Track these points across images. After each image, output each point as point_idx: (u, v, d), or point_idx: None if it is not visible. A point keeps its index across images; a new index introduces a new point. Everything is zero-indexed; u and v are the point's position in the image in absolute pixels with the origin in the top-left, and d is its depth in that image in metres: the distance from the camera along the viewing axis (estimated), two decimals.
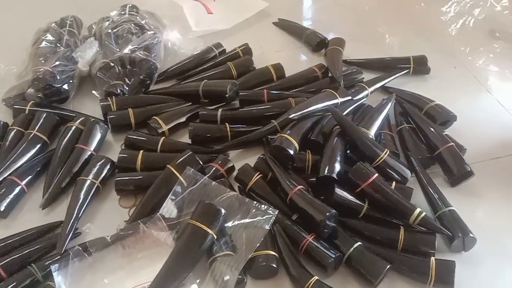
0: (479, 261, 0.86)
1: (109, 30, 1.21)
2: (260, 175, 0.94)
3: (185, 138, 1.09)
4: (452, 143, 1.00)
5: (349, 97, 1.11)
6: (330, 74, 1.22)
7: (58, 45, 1.18)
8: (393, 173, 0.94)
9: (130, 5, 1.33)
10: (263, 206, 0.88)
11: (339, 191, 0.88)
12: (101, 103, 1.12)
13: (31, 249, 0.86)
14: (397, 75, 1.22)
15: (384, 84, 1.20)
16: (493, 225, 0.92)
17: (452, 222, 0.87)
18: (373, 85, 1.18)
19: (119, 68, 1.16)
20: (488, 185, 0.99)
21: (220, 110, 1.10)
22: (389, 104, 1.08)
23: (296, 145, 0.96)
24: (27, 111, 1.11)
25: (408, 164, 1.00)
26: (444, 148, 0.99)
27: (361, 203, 0.89)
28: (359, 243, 0.83)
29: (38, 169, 1.00)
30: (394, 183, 0.93)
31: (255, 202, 0.88)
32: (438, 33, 1.42)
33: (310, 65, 1.26)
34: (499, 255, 0.87)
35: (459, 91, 1.23)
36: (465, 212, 0.90)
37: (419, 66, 1.26)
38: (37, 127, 1.05)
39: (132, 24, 1.24)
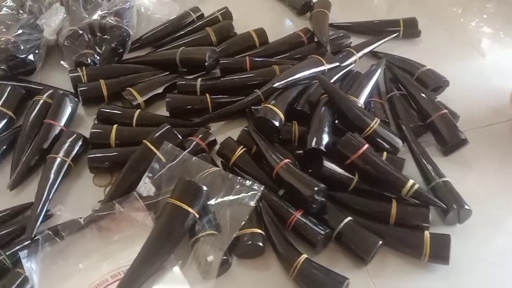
0: (473, 233, 0.82)
1: None
2: (244, 149, 0.89)
3: (163, 111, 1.02)
4: (445, 110, 0.95)
5: (337, 64, 1.04)
6: (316, 39, 1.15)
7: (21, 11, 1.08)
8: (383, 143, 0.90)
9: None
10: (247, 182, 0.82)
11: (327, 164, 0.83)
12: (71, 75, 1.04)
13: None
14: (386, 39, 1.16)
15: (373, 48, 1.14)
16: (487, 194, 0.88)
17: (446, 193, 0.83)
18: (362, 50, 1.12)
19: (89, 36, 1.07)
20: (481, 153, 0.95)
21: (200, 79, 1.03)
22: (379, 70, 1.03)
23: (282, 116, 0.90)
24: None
25: (399, 133, 0.95)
26: (437, 115, 0.94)
27: (351, 176, 0.84)
28: (349, 218, 0.79)
29: (4, 147, 0.93)
30: (385, 153, 0.88)
31: (239, 177, 0.83)
32: None
33: (294, 30, 1.19)
34: (492, 225, 0.84)
35: (451, 55, 1.17)
36: (458, 182, 0.86)
37: (409, 29, 1.19)
38: (1, 101, 0.97)
39: None
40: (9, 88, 0.99)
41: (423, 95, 0.98)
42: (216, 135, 0.95)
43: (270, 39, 1.16)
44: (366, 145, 0.83)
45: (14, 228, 0.81)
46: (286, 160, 0.84)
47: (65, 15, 1.09)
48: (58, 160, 0.88)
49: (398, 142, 0.91)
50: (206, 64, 1.04)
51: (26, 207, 0.85)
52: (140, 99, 1.00)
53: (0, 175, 0.92)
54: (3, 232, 0.80)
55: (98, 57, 1.07)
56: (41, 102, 0.98)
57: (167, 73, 1.08)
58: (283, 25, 1.28)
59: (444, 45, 1.19)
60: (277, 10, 1.32)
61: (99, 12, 1.07)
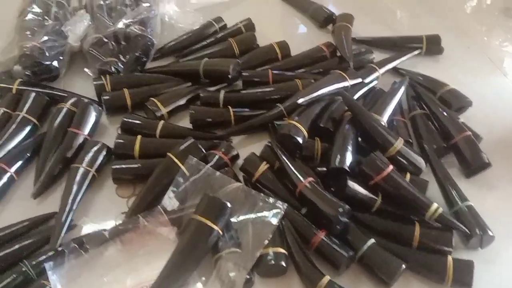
0: (495, 258, 0.82)
1: (101, 2, 1.12)
2: (267, 165, 0.89)
3: (185, 121, 1.02)
4: (468, 132, 0.94)
5: (359, 80, 1.04)
6: (338, 54, 1.15)
7: (46, 17, 1.08)
8: (407, 163, 0.89)
9: None
10: (271, 199, 0.82)
11: (351, 184, 0.83)
12: (95, 83, 1.04)
13: (23, 244, 0.79)
14: (408, 55, 1.16)
15: (396, 65, 1.14)
16: (509, 217, 0.88)
17: (469, 218, 0.83)
18: (384, 66, 1.12)
19: (113, 44, 1.07)
20: (504, 175, 0.95)
21: (223, 92, 1.03)
22: (402, 88, 1.02)
23: (305, 132, 0.91)
24: (14, 91, 1.02)
25: (422, 153, 0.94)
26: (460, 137, 0.94)
27: (374, 197, 0.84)
28: (372, 240, 0.79)
29: (28, 154, 0.93)
30: (408, 175, 0.88)
31: (262, 194, 0.83)
32: (452, 10, 1.33)
33: (316, 42, 1.19)
34: None
35: (473, 73, 1.16)
36: (480, 204, 0.86)
37: (432, 46, 1.19)
38: (25, 108, 0.97)
39: None
40: (33, 95, 0.99)
41: (447, 115, 0.98)
42: (237, 148, 0.95)
43: (292, 51, 1.16)
44: (391, 167, 0.83)
45: (38, 238, 0.81)
46: (310, 179, 0.84)
47: (90, 22, 1.09)
48: (82, 170, 0.88)
49: (422, 163, 0.90)
50: (229, 76, 1.05)
51: (49, 216, 0.85)
52: (164, 110, 1.00)
53: (23, 183, 0.92)
54: (27, 242, 0.80)
55: (121, 66, 1.07)
56: (64, 109, 0.98)
57: (189, 83, 1.08)
58: (305, 37, 1.27)
59: (466, 63, 1.19)
60: (299, 21, 1.32)
61: (124, 21, 1.08)
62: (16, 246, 0.79)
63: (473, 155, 0.92)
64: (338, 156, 0.86)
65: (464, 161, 0.94)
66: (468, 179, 0.94)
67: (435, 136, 0.98)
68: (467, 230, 0.81)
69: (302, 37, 1.28)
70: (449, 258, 0.77)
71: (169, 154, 0.87)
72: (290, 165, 0.86)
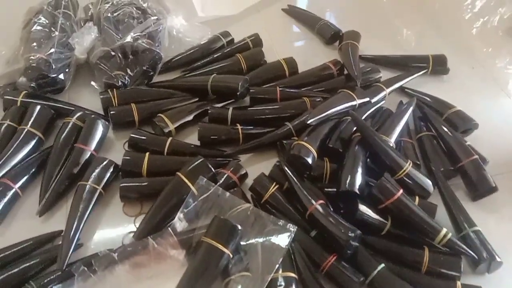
0: (503, 283, 0.83)
1: (109, 14, 1.10)
2: (276, 186, 0.88)
3: (192, 138, 1.02)
4: (476, 156, 0.95)
5: (367, 99, 1.04)
6: (345, 72, 1.15)
7: (53, 29, 1.07)
8: (415, 186, 0.90)
9: None
10: (281, 221, 0.82)
11: (362, 208, 0.83)
12: (101, 96, 1.03)
13: (28, 264, 0.79)
14: (415, 75, 1.16)
15: (402, 84, 1.14)
16: None
17: (477, 243, 0.83)
18: (391, 85, 1.12)
19: (120, 57, 1.06)
20: (510, 199, 0.95)
21: (231, 109, 1.03)
22: (410, 109, 1.02)
23: (315, 153, 0.90)
24: (19, 103, 1.01)
25: (429, 175, 0.95)
26: (468, 161, 0.94)
27: (384, 221, 0.84)
28: (382, 265, 0.79)
29: (33, 170, 0.92)
30: (417, 198, 0.88)
31: (272, 216, 0.83)
32: (458, 29, 1.34)
33: (322, 59, 1.19)
34: None
35: (478, 94, 1.17)
36: (486, 228, 0.86)
37: (438, 66, 1.19)
38: (30, 122, 0.96)
39: (134, 8, 1.13)
40: (38, 108, 0.98)
41: (454, 138, 0.99)
42: (245, 166, 0.95)
43: (298, 67, 1.16)
44: (401, 191, 0.83)
45: (43, 258, 0.80)
46: (320, 201, 0.84)
47: (97, 35, 1.08)
48: (89, 188, 0.87)
49: (430, 186, 0.91)
50: (238, 93, 1.04)
51: (55, 235, 0.84)
52: (172, 126, 0.99)
53: (28, 199, 0.91)
54: (33, 262, 0.79)
55: (128, 79, 1.06)
56: (70, 124, 0.97)
57: (197, 99, 1.07)
58: (311, 54, 1.27)
59: (471, 84, 1.20)
60: (305, 37, 1.32)
61: (132, 34, 1.07)
62: (21, 266, 0.78)
63: (480, 179, 0.93)
64: (348, 179, 0.86)
65: (471, 185, 0.94)
66: (475, 202, 0.95)
67: (442, 159, 0.98)
68: (475, 256, 0.81)
69: (308, 52, 1.27)
70: (458, 283, 0.78)
71: (178, 173, 0.86)
72: (300, 187, 0.86)
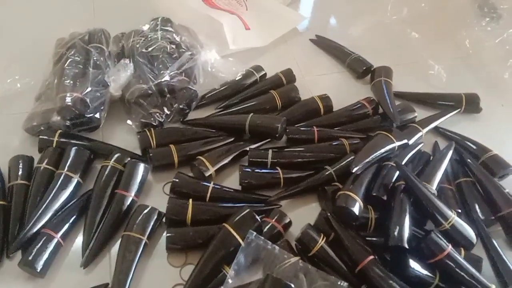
0: None
1: (143, 50, 1.08)
2: (324, 239, 0.88)
3: (231, 179, 1.01)
4: None
5: (405, 141, 1.04)
6: (380, 110, 1.15)
7: (87, 65, 1.03)
8: (460, 238, 0.90)
9: (163, 18, 1.19)
10: (332, 277, 0.81)
11: (412, 263, 0.83)
12: (139, 137, 1.01)
13: None
14: (449, 115, 1.16)
15: (436, 125, 1.14)
16: None
17: None
18: (426, 126, 1.12)
19: (158, 95, 1.04)
20: None
21: (271, 151, 1.01)
22: (449, 154, 1.03)
23: (361, 203, 0.90)
24: (54, 144, 0.98)
25: (470, 224, 0.95)
26: (509, 211, 0.95)
27: (432, 275, 0.84)
28: None
29: (74, 217, 0.90)
30: (463, 251, 0.89)
31: (321, 271, 0.82)
32: (489, 67, 1.35)
33: (355, 94, 1.19)
34: None
35: (509, 134, 1.18)
36: None
37: (471, 105, 1.20)
38: (67, 165, 0.93)
39: (168, 42, 1.11)
40: (74, 150, 0.95)
41: (494, 185, 0.99)
42: (284, 210, 0.94)
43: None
44: (450, 247, 0.83)
45: None
46: (371, 257, 0.83)
47: (133, 71, 1.05)
48: (135, 238, 0.85)
49: (474, 238, 0.91)
50: (277, 135, 1.03)
51: None
52: (212, 169, 0.98)
53: (69, 246, 0.88)
54: None
55: (164, 118, 1.05)
56: (109, 168, 0.95)
57: (233, 138, 1.06)
58: (343, 88, 1.26)
59: (503, 123, 1.20)
60: (336, 70, 1.31)
61: (169, 72, 1.04)
62: None
63: None
64: (397, 232, 0.86)
65: None
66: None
67: (482, 206, 0.98)
68: None
69: (339, 87, 1.26)
70: None
71: (225, 224, 0.85)
72: (350, 240, 0.86)
